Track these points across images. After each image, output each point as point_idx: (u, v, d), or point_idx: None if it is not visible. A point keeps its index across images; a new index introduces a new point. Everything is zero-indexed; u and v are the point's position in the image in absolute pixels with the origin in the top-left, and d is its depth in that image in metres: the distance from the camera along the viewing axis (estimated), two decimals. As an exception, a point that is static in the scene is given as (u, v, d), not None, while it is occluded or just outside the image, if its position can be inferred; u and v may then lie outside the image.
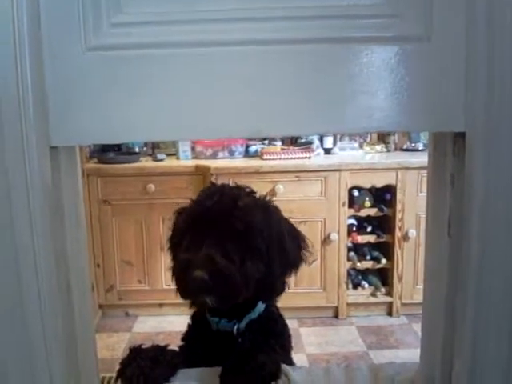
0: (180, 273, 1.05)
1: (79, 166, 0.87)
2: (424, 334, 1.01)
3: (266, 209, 1.16)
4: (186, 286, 1.04)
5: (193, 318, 1.27)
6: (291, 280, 1.23)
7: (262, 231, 1.09)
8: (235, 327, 1.16)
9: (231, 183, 1.22)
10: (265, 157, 3.23)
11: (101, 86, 0.76)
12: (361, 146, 3.51)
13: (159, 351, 1.07)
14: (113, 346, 2.95)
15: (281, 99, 0.77)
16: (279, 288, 1.17)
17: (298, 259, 1.21)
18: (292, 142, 3.51)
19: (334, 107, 0.77)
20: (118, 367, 1.04)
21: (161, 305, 3.33)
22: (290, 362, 1.22)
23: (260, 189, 1.30)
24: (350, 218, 3.20)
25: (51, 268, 0.77)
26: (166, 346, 1.11)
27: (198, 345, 1.21)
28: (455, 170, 0.84)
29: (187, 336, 1.26)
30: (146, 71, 0.76)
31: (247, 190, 1.18)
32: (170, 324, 3.17)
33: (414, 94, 0.78)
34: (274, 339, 1.18)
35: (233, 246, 1.05)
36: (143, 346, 1.09)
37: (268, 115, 0.77)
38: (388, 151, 3.48)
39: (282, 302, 1.28)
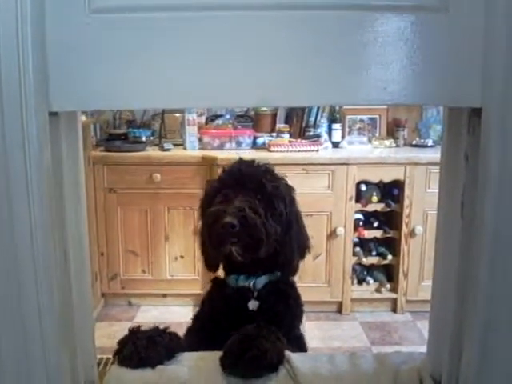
0: (211, 221, 1.14)
1: (80, 135, 0.84)
2: (432, 321, 0.98)
3: (287, 184, 1.32)
4: (215, 233, 1.13)
5: (213, 280, 1.36)
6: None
7: (284, 198, 1.24)
8: (252, 282, 1.26)
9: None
10: (272, 149, 3.20)
11: (104, 50, 0.73)
12: (369, 141, 3.46)
13: (157, 333, 1.06)
14: (114, 335, 2.92)
15: (290, 67, 0.73)
16: (295, 265, 1.29)
17: (306, 241, 1.34)
18: (300, 134, 3.47)
19: (347, 77, 0.74)
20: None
21: (164, 295, 3.30)
22: (300, 333, 1.34)
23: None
24: (356, 212, 3.16)
25: (48, 238, 0.75)
26: (165, 328, 1.09)
27: (215, 303, 1.30)
28: (470, 148, 0.81)
29: (208, 295, 1.35)
30: (150, 35, 0.73)
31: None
32: (173, 314, 3.15)
33: (429, 67, 0.74)
34: (287, 304, 1.28)
35: (260, 204, 1.18)
36: (142, 328, 1.08)
37: (276, 84, 0.73)
38: (397, 146, 3.42)
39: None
